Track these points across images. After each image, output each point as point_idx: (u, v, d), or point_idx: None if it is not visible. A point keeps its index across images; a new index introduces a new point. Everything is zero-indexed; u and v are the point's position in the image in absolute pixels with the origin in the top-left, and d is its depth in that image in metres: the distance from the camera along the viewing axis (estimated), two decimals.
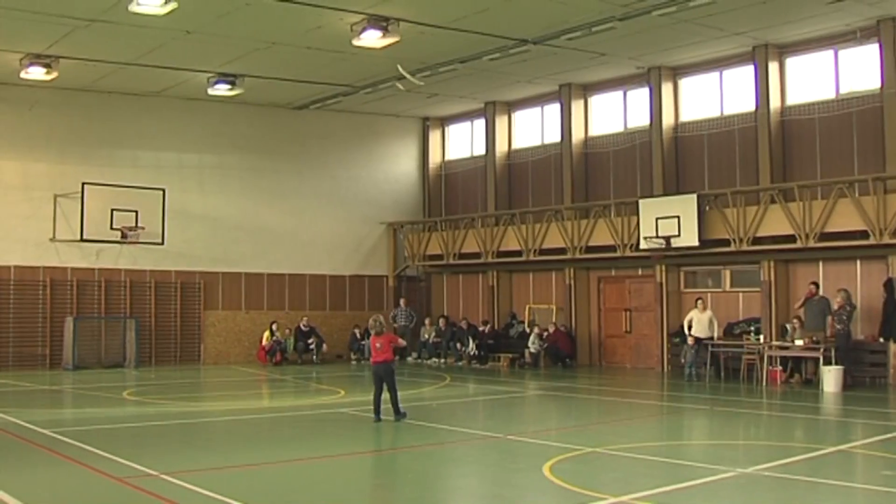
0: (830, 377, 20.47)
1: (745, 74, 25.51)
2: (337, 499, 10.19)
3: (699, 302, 24.14)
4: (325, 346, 30.17)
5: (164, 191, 28.25)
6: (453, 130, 34.47)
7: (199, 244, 29.93)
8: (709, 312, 23.95)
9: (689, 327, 23.92)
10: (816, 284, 22.66)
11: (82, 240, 27.01)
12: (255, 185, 31.11)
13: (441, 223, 32.03)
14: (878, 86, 22.70)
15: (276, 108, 31.26)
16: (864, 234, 21.53)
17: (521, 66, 26.52)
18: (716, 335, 23.78)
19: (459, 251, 30.92)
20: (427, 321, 31.63)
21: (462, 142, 34.09)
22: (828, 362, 20.93)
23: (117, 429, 15.38)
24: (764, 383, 22.03)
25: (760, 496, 10.14)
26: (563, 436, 14.62)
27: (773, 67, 24.65)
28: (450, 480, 11.40)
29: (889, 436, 14.35)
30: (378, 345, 15.76)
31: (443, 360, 29.83)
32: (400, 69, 25.51)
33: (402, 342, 15.78)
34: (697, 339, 23.75)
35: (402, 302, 31.75)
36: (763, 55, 24.61)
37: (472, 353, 29.25)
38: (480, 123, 32.64)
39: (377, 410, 15.63)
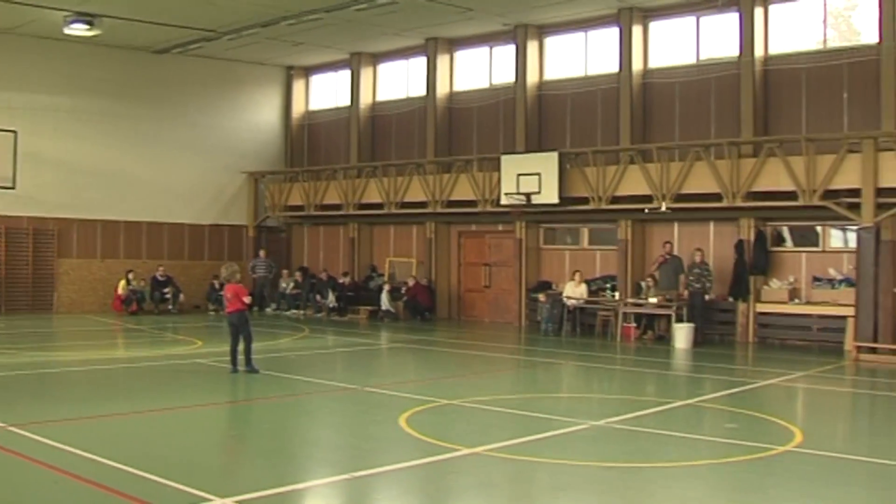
0: (681, 334, 21.15)
1: (609, 36, 25.84)
2: (191, 450, 10.07)
3: (577, 275, 24.56)
4: (181, 296, 29.63)
5: (15, 133, 27.15)
6: (318, 80, 34.04)
7: (52, 190, 28.87)
8: (583, 286, 24.44)
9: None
10: (670, 244, 23.33)
11: None
12: (113, 131, 30.12)
13: (303, 174, 31.68)
14: (737, 54, 23.37)
15: (136, 51, 30.27)
16: (717, 197, 22.16)
17: (388, 18, 26.32)
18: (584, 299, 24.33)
19: (321, 202, 30.64)
20: (285, 272, 31.37)
21: (326, 92, 33.69)
22: (679, 320, 21.61)
23: None
24: (618, 339, 22.62)
25: (611, 447, 10.46)
26: (419, 388, 14.74)
27: (637, 31, 25.08)
28: (306, 431, 11.39)
29: (734, 390, 14.98)
30: (229, 294, 15.59)
31: (302, 312, 29.65)
32: None
33: (245, 299, 15.53)
34: (553, 296, 24.24)
35: (261, 253, 31.37)
36: (627, 18, 25.01)
37: (331, 305, 29.16)
38: (345, 74, 32.29)
39: (234, 361, 15.50)
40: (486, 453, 9.73)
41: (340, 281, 29.91)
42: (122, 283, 29.16)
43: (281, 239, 33.71)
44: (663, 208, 22.26)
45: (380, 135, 31.51)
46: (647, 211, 22.21)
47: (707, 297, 22.23)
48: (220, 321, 26.81)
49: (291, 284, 30.72)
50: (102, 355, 18.54)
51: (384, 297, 28.51)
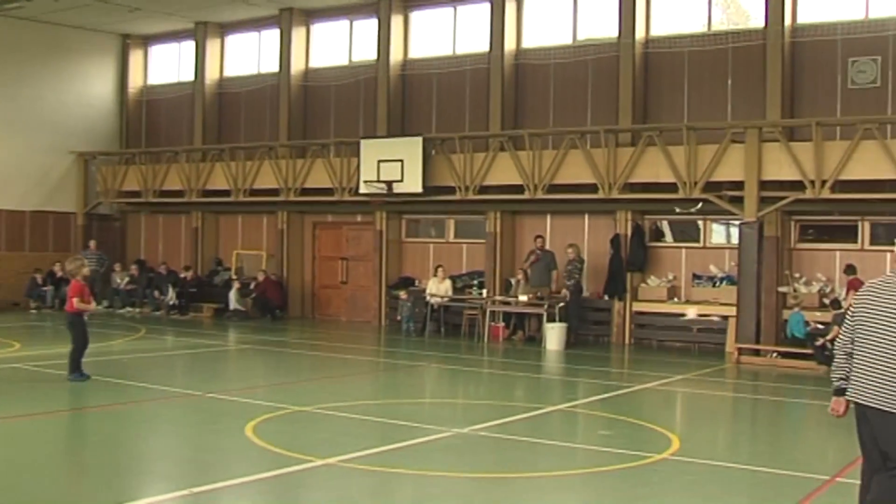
0: (553, 335, 21.47)
1: (480, 12, 25.95)
2: (12, 468, 9.75)
3: (440, 270, 24.68)
4: None
5: None
6: (158, 52, 33.28)
7: None
8: (447, 283, 24.56)
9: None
10: (542, 238, 23.66)
11: None
12: None
13: (140, 156, 30.95)
14: (616, 34, 23.76)
15: None
16: (593, 188, 22.53)
17: None
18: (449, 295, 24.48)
19: (160, 188, 30.00)
20: (119, 266, 30.65)
21: (168, 65, 32.97)
22: (551, 319, 21.92)
23: None
24: (486, 340, 22.81)
25: (477, 457, 10.56)
26: (269, 393, 14.69)
27: (511, 7, 25.18)
28: (142, 443, 11.16)
29: (609, 395, 15.32)
30: (73, 292, 15.18)
31: (138, 310, 29.00)
32: None
33: (81, 305, 15.13)
34: (415, 293, 24.34)
35: (91, 244, 30.51)
36: None
37: (171, 302, 28.64)
38: (189, 46, 31.66)
39: (77, 367, 15.10)
40: (341, 464, 9.72)
41: (182, 276, 29.38)
42: None
43: (114, 228, 32.86)
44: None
45: (227, 114, 31.05)
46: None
47: (568, 292, 22.42)
48: (43, 320, 26.10)
49: (126, 279, 30.00)
50: None
51: (232, 294, 28.16)
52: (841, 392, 7.05)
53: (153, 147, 31.72)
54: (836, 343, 6.96)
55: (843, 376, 7.04)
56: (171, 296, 28.70)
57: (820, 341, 18.74)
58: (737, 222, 21.08)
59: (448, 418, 12.92)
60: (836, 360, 7.11)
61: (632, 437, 11.83)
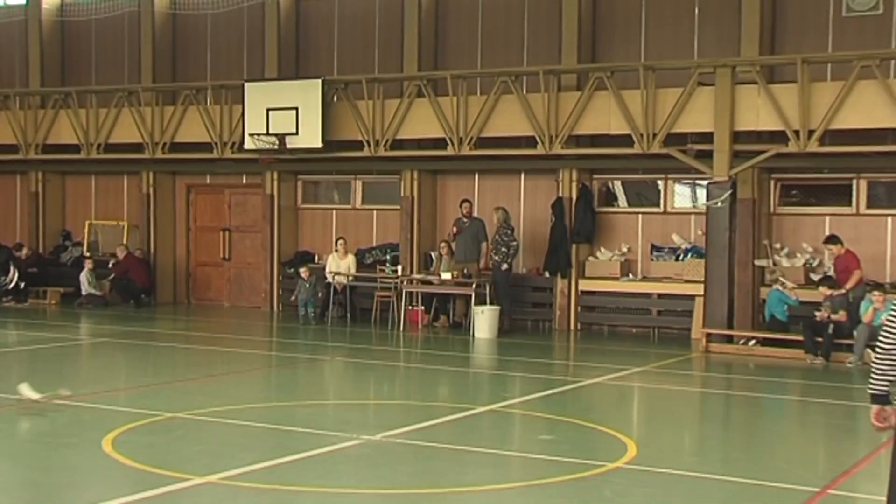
0: (483, 320, 21.51)
1: None
2: None
3: (340, 244, 24.61)
4: None
5: None
6: None
7: None
8: (350, 258, 24.53)
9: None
10: (470, 202, 23.70)
11: None
12: None
13: None
14: None
15: None
16: (531, 142, 22.54)
17: None
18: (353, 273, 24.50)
19: None
20: None
21: None
22: (481, 301, 21.97)
23: None
24: (401, 327, 22.86)
25: (391, 468, 10.53)
26: (133, 398, 14.54)
27: None
28: None
29: (550, 392, 15.37)
30: None
31: None
32: None
33: None
34: (316, 272, 24.26)
35: None
36: None
37: (9, 285, 28.10)
38: None
39: None
40: (224, 482, 9.65)
41: (17, 254, 28.86)
42: None
43: None
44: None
45: (73, 48, 30.49)
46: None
47: (505, 269, 22.50)
48: None
49: None
50: None
51: (84, 276, 27.76)
52: (885, 400, 6.90)
53: None
54: (882, 341, 6.85)
55: (891, 381, 6.88)
56: (11, 277, 28.11)
57: (819, 316, 18.86)
58: (704, 182, 21.21)
59: (356, 423, 12.90)
60: (882, 361, 6.91)
61: (579, 443, 11.88)
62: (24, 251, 28.93)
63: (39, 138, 28.49)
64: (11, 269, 28.19)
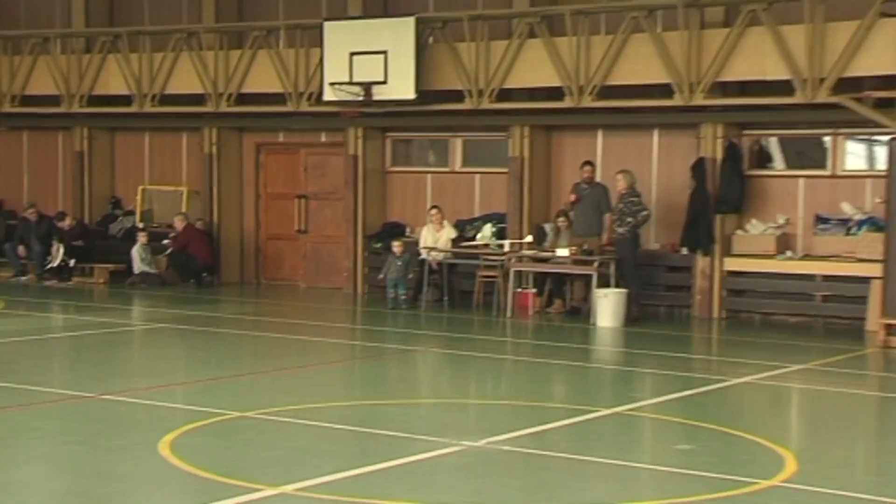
0: (607, 306, 21.37)
1: None
2: None
3: (435, 213, 24.58)
4: None
5: None
6: None
7: None
8: (448, 230, 24.48)
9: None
10: (592, 165, 23.51)
11: None
12: None
13: None
14: None
15: None
16: (666, 91, 22.40)
17: None
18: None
19: (22, 92, 29.89)
20: None
21: None
22: (604, 283, 21.84)
23: None
24: (508, 313, 22.76)
25: (495, 481, 10.48)
26: (194, 394, 14.77)
27: None
28: (4, 471, 10.96)
29: (689, 392, 15.26)
30: None
31: None
32: None
33: None
34: (409, 247, 24.21)
35: None
36: None
37: (57, 262, 28.50)
38: None
39: None
40: (299, 493, 9.70)
41: (60, 224, 29.23)
42: None
43: None
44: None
45: None
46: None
47: (632, 244, 22.29)
48: None
49: None
50: None
51: (137, 251, 28.07)
52: None
53: (8, 29, 31.42)
54: None
55: None
56: (56, 253, 28.47)
57: None
58: (885, 138, 20.91)
59: (455, 426, 12.96)
60: None
61: (724, 455, 11.77)
62: (68, 221, 29.26)
63: (84, 88, 28.93)
64: (54, 243, 28.55)
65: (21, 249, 29.13)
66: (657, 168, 24.19)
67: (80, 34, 29.91)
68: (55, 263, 28.54)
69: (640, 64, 22.52)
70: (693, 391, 15.33)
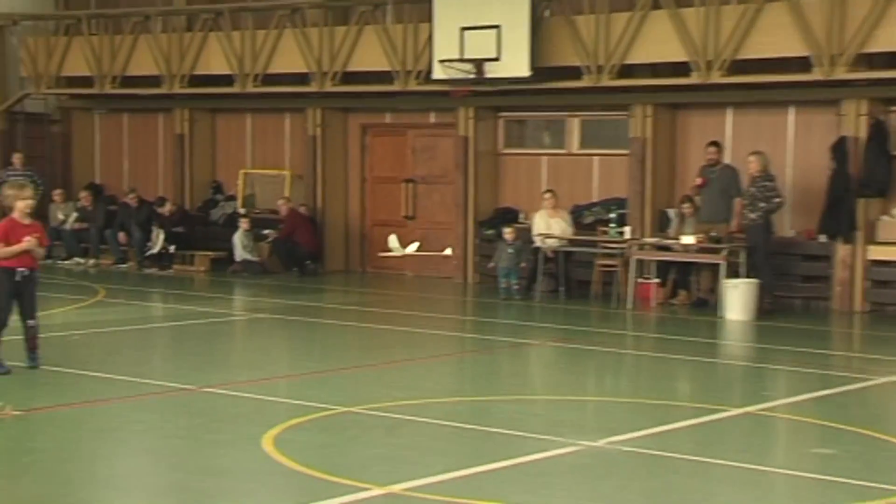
0: (736, 297, 21.25)
1: None
2: None
3: (550, 198, 24.50)
4: None
5: None
6: None
7: None
8: (563, 217, 24.41)
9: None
10: (718, 145, 23.34)
11: None
12: None
13: (89, 21, 31.06)
14: None
15: None
16: (803, 64, 22.21)
17: None
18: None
19: (122, 73, 30.23)
20: (59, 193, 31.06)
21: None
22: (734, 273, 21.70)
23: None
24: (629, 304, 22.73)
25: (615, 484, 10.46)
26: (298, 387, 14.91)
27: None
28: (103, 465, 11.17)
29: (828, 392, 15.08)
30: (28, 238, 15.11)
31: (92, 261, 29.51)
32: None
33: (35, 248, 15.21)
34: (522, 234, 24.16)
35: (15, 158, 30.93)
36: None
37: (157, 249, 28.80)
38: None
39: None
40: (408, 493, 9.72)
41: (160, 210, 29.52)
42: None
43: (52, 135, 33.26)
44: None
45: None
46: None
47: (765, 231, 22.12)
48: None
49: (74, 215, 30.43)
50: None
51: (238, 238, 28.32)
52: None
53: (109, 8, 31.76)
54: None
55: None
56: (157, 239, 28.74)
57: None
58: None
59: (572, 424, 12.92)
60: None
61: (868, 460, 11.54)
62: (168, 207, 29.58)
63: (185, 68, 29.28)
64: (154, 230, 28.85)
65: (122, 236, 29.52)
66: (793, 149, 23.92)
67: (182, 11, 30.29)
68: (155, 250, 28.94)
69: (775, 35, 22.30)
70: (832, 390, 15.16)
